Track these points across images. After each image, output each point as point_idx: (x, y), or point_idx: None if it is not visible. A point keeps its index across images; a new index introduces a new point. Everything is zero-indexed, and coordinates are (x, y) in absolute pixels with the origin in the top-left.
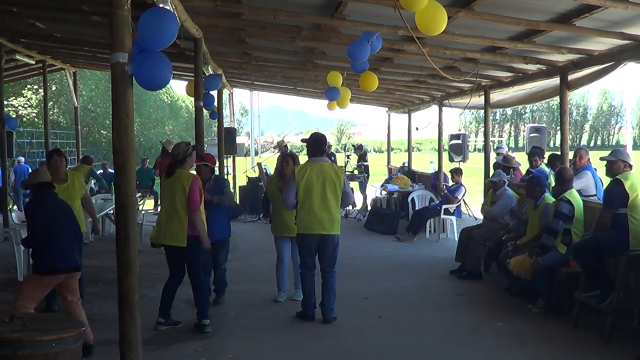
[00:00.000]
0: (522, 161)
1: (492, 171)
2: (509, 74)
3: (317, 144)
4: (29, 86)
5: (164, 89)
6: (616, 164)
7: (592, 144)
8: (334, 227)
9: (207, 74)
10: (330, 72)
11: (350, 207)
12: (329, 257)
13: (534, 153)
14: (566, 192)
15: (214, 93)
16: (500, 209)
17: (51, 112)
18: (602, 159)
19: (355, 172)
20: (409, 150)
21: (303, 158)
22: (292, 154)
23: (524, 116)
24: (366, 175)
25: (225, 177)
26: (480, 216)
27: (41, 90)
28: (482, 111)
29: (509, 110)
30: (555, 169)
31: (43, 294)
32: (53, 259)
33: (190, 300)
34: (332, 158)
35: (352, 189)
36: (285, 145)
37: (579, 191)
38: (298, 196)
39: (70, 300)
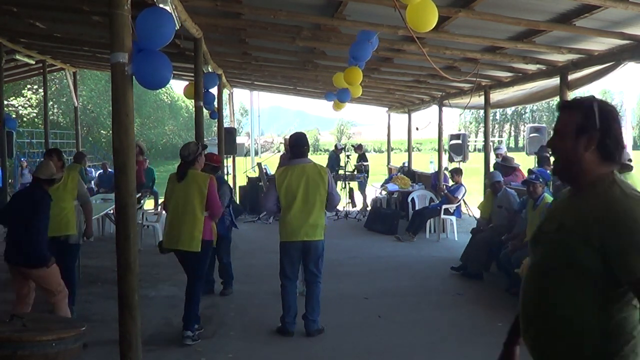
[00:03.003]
0: (521, 161)
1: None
2: (509, 74)
3: (297, 144)
4: (28, 86)
5: (164, 89)
6: None
7: None
8: (316, 233)
9: (205, 72)
10: (337, 73)
11: (350, 207)
12: (313, 266)
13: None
14: None
15: (214, 92)
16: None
17: (51, 112)
18: None
19: (355, 172)
20: (409, 150)
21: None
22: None
23: (524, 116)
24: (366, 175)
25: (225, 177)
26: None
27: (41, 90)
28: (482, 111)
29: (509, 110)
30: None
31: (14, 281)
32: (7, 248)
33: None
34: (338, 158)
35: (351, 189)
36: None
37: None
38: (280, 202)
39: (48, 298)
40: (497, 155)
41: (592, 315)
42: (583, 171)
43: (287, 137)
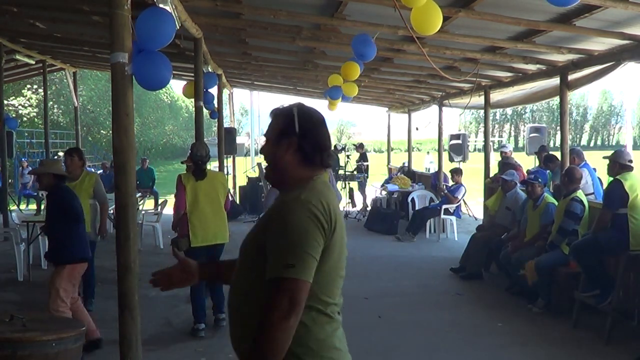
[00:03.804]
0: (521, 161)
1: (492, 172)
2: (509, 74)
3: None
4: (28, 86)
5: (164, 89)
6: (611, 164)
7: (592, 144)
8: None
9: (204, 72)
10: (332, 75)
11: (350, 207)
12: None
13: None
14: (576, 192)
15: (214, 92)
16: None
17: (51, 112)
18: (605, 157)
19: (355, 172)
20: (409, 150)
21: None
22: None
23: (524, 116)
24: (366, 175)
25: (226, 177)
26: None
27: (41, 90)
28: (482, 111)
29: (509, 110)
30: (552, 169)
31: (76, 285)
32: (85, 247)
33: (189, 300)
34: (337, 157)
35: (351, 189)
36: None
37: None
38: None
39: (74, 297)
40: (501, 153)
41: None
42: (285, 174)
43: None
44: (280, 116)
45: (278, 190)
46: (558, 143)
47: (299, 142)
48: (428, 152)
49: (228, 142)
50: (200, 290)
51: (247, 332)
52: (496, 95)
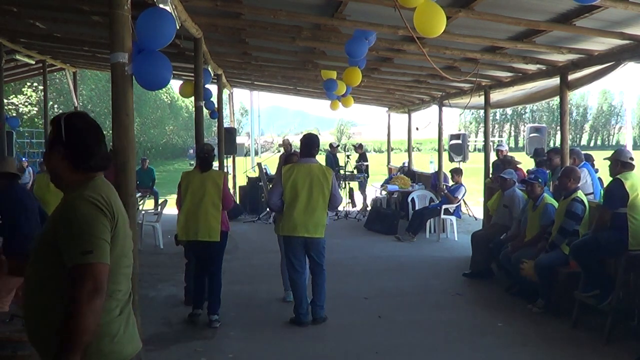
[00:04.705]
0: (521, 161)
1: (491, 171)
2: (509, 74)
3: (308, 145)
4: (28, 83)
5: (164, 89)
6: (612, 164)
7: (592, 144)
8: (317, 230)
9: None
10: (324, 70)
11: (350, 207)
12: (316, 257)
13: (539, 154)
14: (577, 192)
15: (212, 91)
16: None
17: (51, 112)
18: (605, 159)
19: (355, 172)
20: (409, 150)
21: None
22: (297, 154)
23: (524, 116)
24: (366, 175)
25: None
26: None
27: (41, 88)
28: (482, 111)
29: (509, 110)
30: (554, 166)
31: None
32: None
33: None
34: (336, 158)
35: (351, 189)
36: (290, 144)
37: None
38: (284, 197)
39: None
40: (498, 152)
41: (62, 304)
42: (61, 179)
43: (286, 137)
44: (53, 126)
45: (63, 193)
46: (558, 143)
47: (65, 150)
48: (431, 162)
49: (228, 142)
50: (202, 278)
51: (42, 324)
52: (496, 95)
